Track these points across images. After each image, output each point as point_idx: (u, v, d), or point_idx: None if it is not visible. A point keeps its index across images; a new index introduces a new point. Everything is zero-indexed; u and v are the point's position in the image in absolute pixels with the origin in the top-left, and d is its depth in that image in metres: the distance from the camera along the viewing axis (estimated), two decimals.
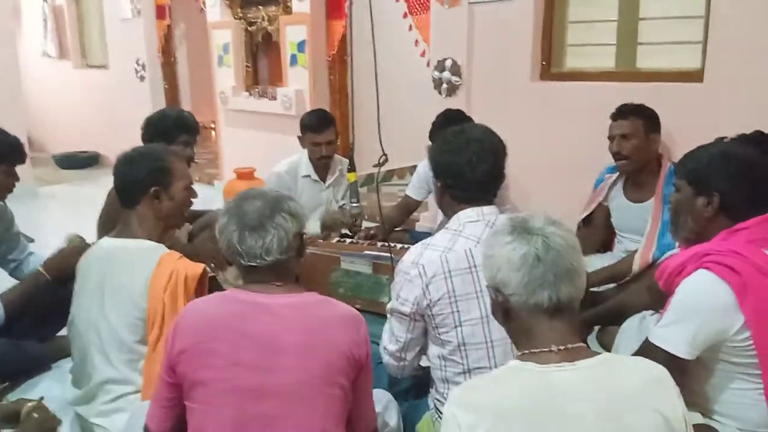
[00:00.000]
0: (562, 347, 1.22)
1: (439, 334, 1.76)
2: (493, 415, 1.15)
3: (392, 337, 1.85)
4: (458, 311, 1.72)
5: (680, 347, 1.59)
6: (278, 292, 1.53)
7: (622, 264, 2.82)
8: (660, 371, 1.24)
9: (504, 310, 1.29)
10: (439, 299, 1.73)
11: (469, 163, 1.78)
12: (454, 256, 1.74)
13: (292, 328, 1.48)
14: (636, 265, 2.72)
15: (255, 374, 1.44)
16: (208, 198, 5.41)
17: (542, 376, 1.19)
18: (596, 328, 2.64)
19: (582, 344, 1.25)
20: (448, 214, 1.88)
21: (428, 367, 1.90)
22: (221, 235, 1.57)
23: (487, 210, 1.81)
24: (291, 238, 1.55)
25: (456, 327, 1.73)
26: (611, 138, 2.90)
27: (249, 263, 1.53)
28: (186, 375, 1.48)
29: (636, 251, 2.77)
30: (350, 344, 1.49)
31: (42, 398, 2.23)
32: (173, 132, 3.01)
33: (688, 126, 2.95)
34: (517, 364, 1.25)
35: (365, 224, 3.41)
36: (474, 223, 1.79)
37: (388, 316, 1.87)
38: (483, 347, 1.73)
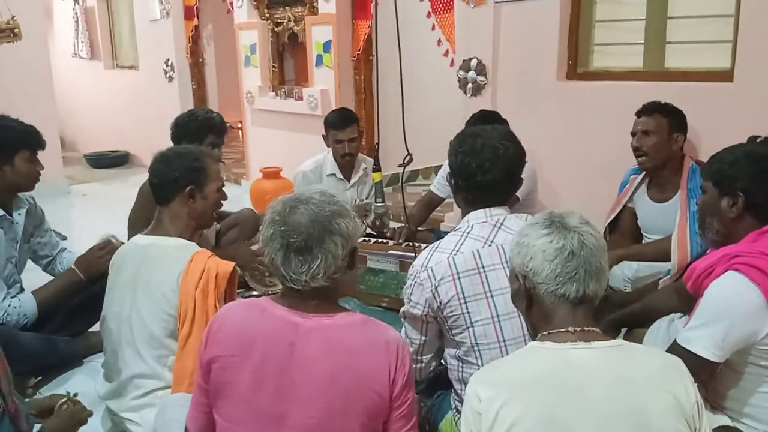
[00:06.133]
0: (578, 329, 1.29)
1: (452, 335, 1.77)
2: (509, 387, 1.23)
3: (407, 339, 1.85)
4: (469, 312, 1.72)
5: (709, 350, 1.58)
6: (313, 311, 1.41)
7: (662, 244, 2.73)
8: (676, 360, 1.30)
9: (528, 297, 1.36)
10: (449, 301, 1.73)
11: (480, 168, 1.77)
12: (462, 258, 1.74)
13: (314, 356, 1.37)
14: (674, 259, 2.64)
15: (276, 402, 1.37)
16: (235, 197, 5.46)
17: (559, 353, 1.27)
18: (623, 330, 2.62)
19: (597, 329, 1.32)
20: (463, 212, 1.88)
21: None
22: (265, 248, 1.43)
23: (496, 211, 1.80)
24: (340, 262, 1.40)
25: (468, 328, 1.73)
26: (633, 134, 2.88)
27: (292, 285, 1.41)
28: (214, 384, 1.44)
29: (670, 236, 2.68)
30: (379, 379, 1.37)
31: (76, 394, 2.27)
32: (201, 133, 3.06)
33: (718, 126, 2.92)
34: (535, 344, 1.33)
35: (391, 225, 3.39)
36: (482, 224, 1.79)
37: (402, 319, 1.87)
38: (496, 347, 1.72)
